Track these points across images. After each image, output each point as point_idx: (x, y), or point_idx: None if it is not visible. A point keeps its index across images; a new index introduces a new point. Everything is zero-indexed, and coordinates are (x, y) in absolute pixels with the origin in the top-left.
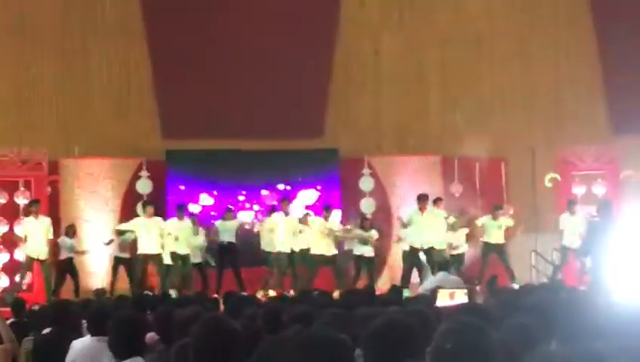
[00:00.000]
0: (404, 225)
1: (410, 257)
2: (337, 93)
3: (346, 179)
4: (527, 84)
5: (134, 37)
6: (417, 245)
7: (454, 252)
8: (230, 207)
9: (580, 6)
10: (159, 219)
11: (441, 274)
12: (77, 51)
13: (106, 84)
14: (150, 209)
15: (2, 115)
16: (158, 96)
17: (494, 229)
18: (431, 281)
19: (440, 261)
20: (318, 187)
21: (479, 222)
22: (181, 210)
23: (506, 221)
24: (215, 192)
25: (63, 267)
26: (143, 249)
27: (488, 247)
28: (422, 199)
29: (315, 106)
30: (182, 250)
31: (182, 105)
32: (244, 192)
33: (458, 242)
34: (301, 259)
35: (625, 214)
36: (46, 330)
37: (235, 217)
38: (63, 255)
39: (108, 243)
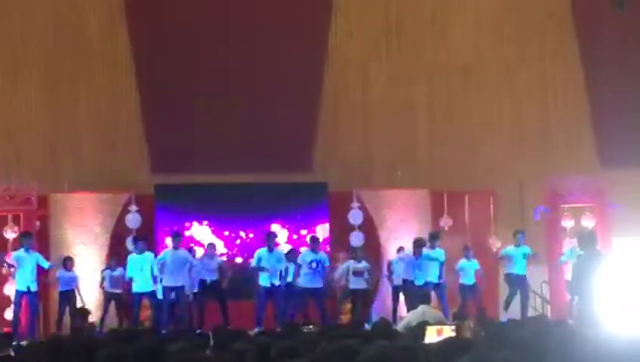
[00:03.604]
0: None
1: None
2: (326, 127)
3: (335, 213)
4: (515, 116)
5: (123, 70)
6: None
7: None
8: (212, 243)
9: (567, 38)
10: (151, 255)
11: (421, 308)
12: (65, 84)
13: (94, 117)
14: (142, 245)
15: None
16: (146, 129)
17: (519, 258)
18: (413, 315)
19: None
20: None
21: (504, 251)
22: (177, 238)
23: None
24: (205, 223)
25: (62, 299)
26: (138, 287)
27: (513, 278)
28: (417, 244)
29: (304, 140)
30: (176, 282)
31: (170, 139)
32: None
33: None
34: (286, 293)
35: (614, 247)
36: None
37: (215, 255)
38: (62, 287)
39: (102, 285)
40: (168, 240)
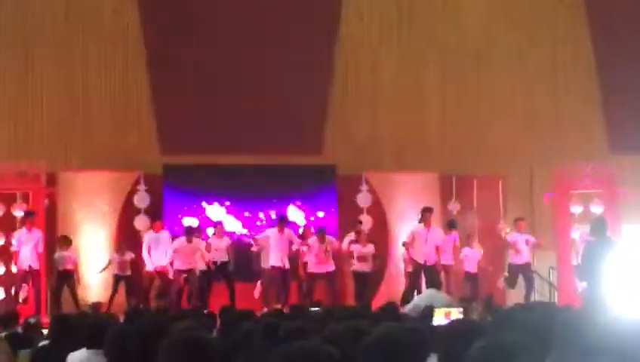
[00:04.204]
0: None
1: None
2: (336, 110)
3: (343, 196)
4: (525, 101)
5: (133, 50)
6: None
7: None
8: (220, 223)
9: (579, 23)
10: (167, 233)
11: (429, 292)
12: (76, 64)
13: (104, 97)
14: (158, 224)
15: (0, 127)
16: (156, 110)
17: (522, 245)
18: (420, 299)
19: (434, 278)
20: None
21: (510, 237)
22: (190, 234)
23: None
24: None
25: (58, 279)
26: (151, 263)
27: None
28: (425, 212)
29: (314, 122)
30: (187, 265)
31: (180, 120)
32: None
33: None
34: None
35: (623, 233)
36: (43, 342)
37: (224, 235)
38: (60, 267)
39: (103, 270)
40: (186, 220)
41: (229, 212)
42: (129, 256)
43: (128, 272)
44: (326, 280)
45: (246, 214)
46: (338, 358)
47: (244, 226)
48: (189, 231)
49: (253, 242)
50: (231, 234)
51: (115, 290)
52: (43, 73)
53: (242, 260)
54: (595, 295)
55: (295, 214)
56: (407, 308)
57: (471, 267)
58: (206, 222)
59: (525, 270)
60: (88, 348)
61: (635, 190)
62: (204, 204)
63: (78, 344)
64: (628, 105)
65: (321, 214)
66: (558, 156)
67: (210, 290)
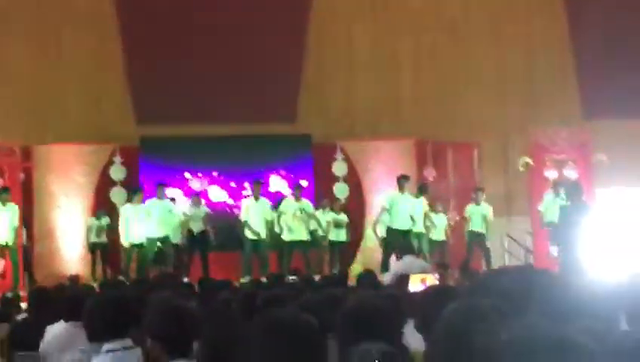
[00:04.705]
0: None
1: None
2: (310, 79)
3: (319, 164)
4: (500, 69)
5: (108, 21)
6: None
7: (436, 238)
8: (197, 193)
9: None
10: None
11: (405, 259)
12: (50, 37)
13: (79, 69)
14: (139, 196)
15: None
16: (131, 81)
17: (478, 217)
18: (397, 266)
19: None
20: (288, 173)
21: (466, 212)
22: (161, 189)
23: (486, 211)
24: (188, 175)
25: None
26: (132, 237)
27: (472, 236)
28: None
29: (288, 92)
30: (161, 232)
31: (155, 91)
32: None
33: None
34: (273, 245)
35: (597, 197)
36: (21, 316)
37: (201, 204)
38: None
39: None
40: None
41: (212, 182)
42: (106, 221)
43: (104, 239)
44: (301, 248)
45: (232, 184)
46: (316, 326)
47: (230, 196)
48: (160, 186)
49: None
50: (215, 205)
51: (95, 260)
52: (16, 48)
53: (225, 230)
54: (571, 258)
55: (279, 184)
56: (385, 276)
57: (438, 234)
58: (190, 193)
59: (480, 240)
60: (67, 321)
61: (608, 154)
62: (187, 174)
63: (56, 317)
64: (602, 71)
65: (304, 183)
66: (532, 122)
67: (192, 260)
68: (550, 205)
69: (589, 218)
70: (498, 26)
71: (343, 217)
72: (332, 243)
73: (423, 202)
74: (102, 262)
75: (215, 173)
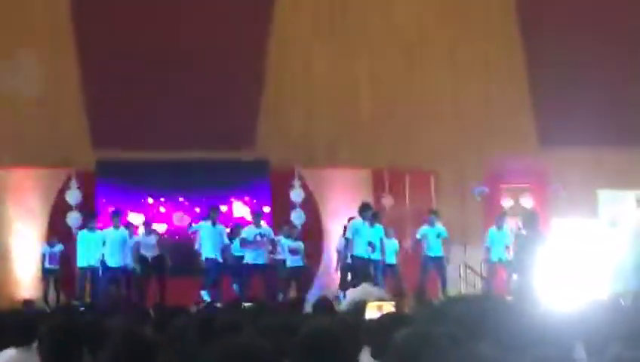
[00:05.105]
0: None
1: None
2: (269, 104)
3: (276, 190)
4: (457, 96)
5: (64, 44)
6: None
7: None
8: (148, 221)
9: (509, 19)
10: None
11: (363, 286)
12: (5, 58)
13: (35, 91)
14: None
15: None
16: (88, 105)
17: (433, 239)
18: (353, 293)
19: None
20: (246, 198)
21: (419, 234)
22: (117, 217)
23: (441, 229)
24: (150, 200)
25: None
26: (88, 260)
27: (427, 260)
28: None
29: (247, 117)
30: (116, 262)
31: (112, 115)
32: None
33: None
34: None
35: (553, 227)
36: None
37: (153, 231)
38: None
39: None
40: (132, 216)
41: (176, 208)
42: (59, 248)
43: (57, 266)
44: (261, 273)
45: (178, 215)
46: (270, 351)
47: (181, 221)
48: (115, 215)
49: (191, 234)
50: (168, 231)
51: (47, 286)
52: None
53: (180, 255)
54: (526, 287)
55: (242, 210)
56: (342, 304)
57: (389, 258)
58: (155, 217)
59: (437, 263)
60: (19, 346)
61: (564, 183)
62: (150, 200)
63: (9, 342)
64: (557, 99)
65: (267, 209)
66: (488, 150)
67: (147, 286)
68: (495, 240)
69: (545, 247)
70: (455, 53)
71: (300, 244)
72: (289, 269)
73: (380, 230)
74: (55, 289)
75: (162, 199)
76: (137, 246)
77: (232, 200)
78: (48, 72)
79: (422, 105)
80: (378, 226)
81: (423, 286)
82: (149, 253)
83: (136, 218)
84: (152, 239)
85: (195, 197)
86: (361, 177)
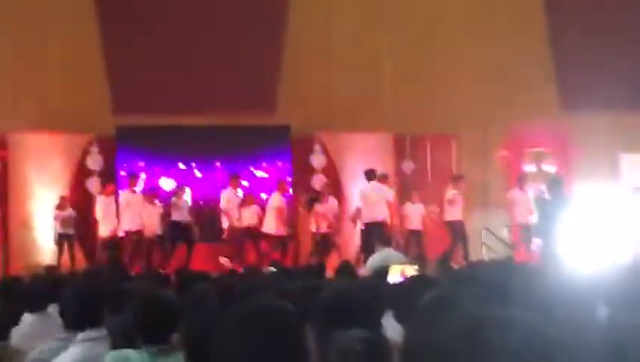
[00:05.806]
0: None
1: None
2: (289, 70)
3: (297, 156)
4: (479, 62)
5: (86, 9)
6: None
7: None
8: (180, 185)
9: None
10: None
11: (385, 251)
12: (29, 24)
13: (56, 57)
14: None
15: None
16: (109, 71)
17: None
18: (375, 258)
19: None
20: (264, 164)
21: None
22: (134, 180)
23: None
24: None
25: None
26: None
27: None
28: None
29: (267, 83)
30: (135, 225)
31: (133, 81)
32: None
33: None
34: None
35: (576, 191)
36: None
37: (183, 195)
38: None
39: None
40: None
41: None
42: (70, 211)
43: (71, 231)
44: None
45: (198, 174)
46: (292, 312)
47: (206, 187)
48: (132, 177)
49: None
50: (196, 196)
51: (61, 252)
52: None
53: (205, 221)
54: (551, 252)
55: (261, 176)
56: (364, 268)
57: (413, 224)
58: (184, 181)
59: (458, 227)
60: (39, 311)
61: (586, 148)
62: (180, 165)
63: (30, 306)
64: (580, 64)
65: (288, 179)
66: (511, 115)
67: (174, 251)
68: (520, 201)
69: (569, 212)
70: (477, 18)
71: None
72: (315, 235)
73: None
74: (70, 254)
75: (193, 165)
76: (169, 210)
77: (253, 168)
78: (70, 38)
79: (443, 70)
80: (385, 188)
81: (449, 251)
82: (177, 217)
83: (165, 182)
84: (182, 203)
85: (219, 163)
86: (382, 142)
